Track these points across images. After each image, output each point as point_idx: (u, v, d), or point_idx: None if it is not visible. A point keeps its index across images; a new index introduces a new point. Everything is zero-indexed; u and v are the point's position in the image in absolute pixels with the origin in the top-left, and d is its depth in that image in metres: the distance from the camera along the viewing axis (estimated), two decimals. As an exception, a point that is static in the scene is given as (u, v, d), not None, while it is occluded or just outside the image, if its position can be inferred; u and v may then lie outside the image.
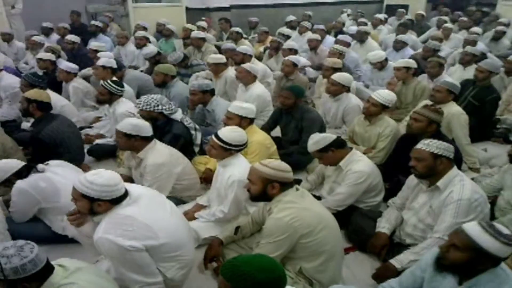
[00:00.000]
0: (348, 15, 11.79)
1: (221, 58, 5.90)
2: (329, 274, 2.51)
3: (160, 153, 3.45)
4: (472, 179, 3.22)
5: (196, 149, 4.33)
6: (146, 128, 3.40)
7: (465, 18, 10.25)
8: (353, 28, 9.24)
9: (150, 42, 7.90)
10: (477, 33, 8.23)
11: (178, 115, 4.18)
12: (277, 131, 4.80)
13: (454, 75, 5.85)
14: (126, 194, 2.37)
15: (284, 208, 2.43)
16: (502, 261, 1.99)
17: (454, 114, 4.27)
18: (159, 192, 3.29)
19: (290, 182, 2.54)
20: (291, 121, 4.50)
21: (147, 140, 3.41)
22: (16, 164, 3.10)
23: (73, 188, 2.30)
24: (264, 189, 2.52)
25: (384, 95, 4.05)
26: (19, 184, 3.03)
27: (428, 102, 4.34)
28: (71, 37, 7.51)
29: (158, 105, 3.98)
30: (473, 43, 7.19)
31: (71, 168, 3.38)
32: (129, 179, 3.73)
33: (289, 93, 4.43)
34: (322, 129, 4.42)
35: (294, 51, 6.63)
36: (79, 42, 7.62)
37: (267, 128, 4.65)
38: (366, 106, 4.15)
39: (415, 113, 3.69)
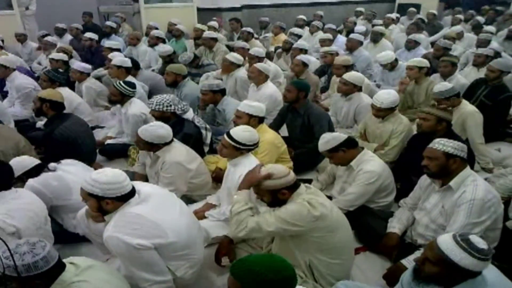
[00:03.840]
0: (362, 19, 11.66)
1: (240, 59, 5.94)
2: (337, 272, 2.50)
3: (177, 151, 3.50)
4: (485, 179, 3.18)
5: (206, 148, 4.33)
6: (168, 136, 3.44)
7: (479, 17, 10.15)
8: (360, 28, 9.20)
9: (165, 42, 7.95)
10: (490, 32, 8.14)
11: (189, 114, 4.20)
12: (285, 132, 4.80)
13: (468, 77, 5.78)
14: (133, 192, 2.38)
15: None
16: (479, 274, 1.94)
17: (469, 112, 4.24)
18: (176, 190, 3.34)
19: (295, 182, 2.50)
20: (297, 118, 4.48)
21: (167, 144, 3.46)
22: (29, 163, 3.12)
23: (81, 188, 2.33)
24: (275, 198, 2.49)
25: (383, 99, 3.99)
26: (31, 182, 3.05)
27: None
28: (88, 35, 7.76)
29: (170, 105, 3.99)
30: (487, 42, 7.12)
31: (83, 167, 3.40)
32: (143, 177, 3.76)
33: (291, 86, 4.43)
34: (330, 125, 4.42)
35: (304, 51, 6.61)
36: (96, 39, 7.84)
37: (274, 126, 4.64)
38: (373, 112, 4.15)
39: (423, 112, 3.66)
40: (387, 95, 4.04)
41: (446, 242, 1.94)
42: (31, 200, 2.79)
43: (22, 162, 3.12)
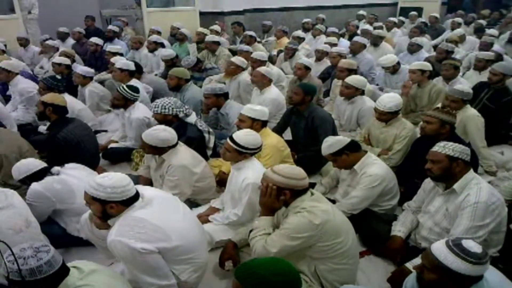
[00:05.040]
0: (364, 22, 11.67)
1: (245, 62, 5.98)
2: (343, 277, 2.49)
3: (183, 154, 3.50)
4: (489, 182, 3.17)
5: (209, 152, 4.33)
6: (172, 139, 3.43)
7: (481, 21, 10.15)
8: (367, 27, 9.22)
9: (164, 47, 7.96)
10: (493, 35, 8.14)
11: (192, 118, 4.21)
12: (289, 136, 4.79)
13: (469, 81, 5.77)
14: (137, 195, 2.38)
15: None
16: (481, 278, 1.92)
17: (470, 117, 4.22)
18: (181, 193, 3.34)
19: (304, 189, 2.49)
20: (301, 120, 4.48)
21: (173, 146, 3.46)
22: (34, 166, 3.12)
23: (85, 192, 2.33)
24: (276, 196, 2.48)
25: (386, 103, 3.99)
26: (34, 186, 3.06)
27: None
28: (94, 40, 7.74)
29: (173, 108, 4.00)
30: (489, 45, 7.11)
31: (86, 170, 3.40)
32: (148, 181, 3.76)
33: (298, 89, 4.43)
34: (333, 128, 4.44)
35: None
36: (102, 44, 7.85)
37: (278, 130, 4.64)
38: (376, 116, 4.15)
39: (427, 115, 3.66)
40: (391, 99, 4.03)
41: (439, 249, 1.94)
42: (7, 204, 2.74)
43: (27, 165, 3.12)
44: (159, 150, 3.43)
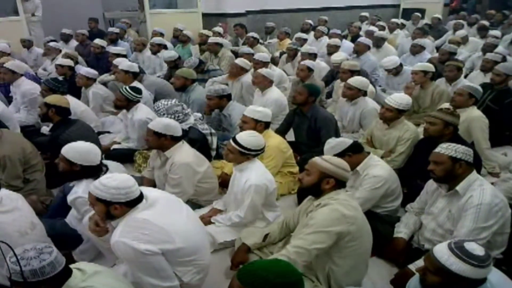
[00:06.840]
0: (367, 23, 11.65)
1: (248, 64, 6.01)
2: (353, 280, 2.51)
3: (186, 153, 3.50)
4: (492, 183, 3.16)
5: (212, 153, 4.33)
6: (176, 128, 3.45)
7: (484, 21, 10.14)
8: (373, 28, 9.22)
9: (166, 48, 7.98)
10: (496, 36, 8.12)
11: (190, 121, 4.20)
12: (292, 137, 4.79)
13: (474, 82, 5.75)
14: (141, 197, 2.38)
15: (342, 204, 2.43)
16: (484, 281, 1.91)
17: (474, 117, 4.22)
18: (183, 192, 3.35)
19: (344, 182, 2.55)
20: (303, 121, 4.48)
21: (176, 140, 3.46)
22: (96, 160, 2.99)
23: (89, 193, 2.33)
24: (318, 182, 2.51)
25: (398, 99, 3.98)
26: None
27: (446, 105, 4.28)
28: (99, 42, 7.75)
29: (164, 114, 4.00)
30: (493, 47, 7.09)
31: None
32: (152, 182, 3.76)
33: (303, 89, 4.44)
34: (336, 128, 4.45)
35: (313, 56, 6.62)
36: (105, 46, 7.87)
37: (281, 131, 4.64)
38: (381, 111, 4.12)
39: (430, 116, 3.65)
40: (402, 96, 4.06)
41: (441, 251, 1.93)
42: (12, 207, 2.71)
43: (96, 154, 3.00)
44: (162, 142, 3.42)
